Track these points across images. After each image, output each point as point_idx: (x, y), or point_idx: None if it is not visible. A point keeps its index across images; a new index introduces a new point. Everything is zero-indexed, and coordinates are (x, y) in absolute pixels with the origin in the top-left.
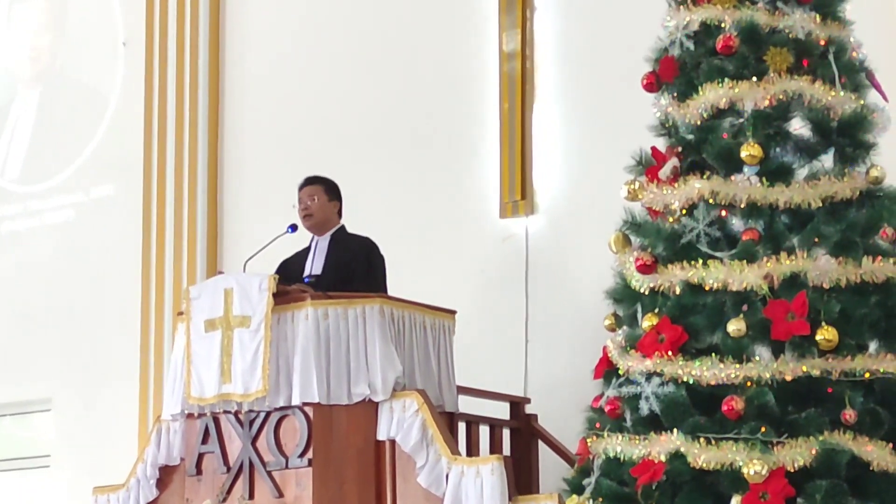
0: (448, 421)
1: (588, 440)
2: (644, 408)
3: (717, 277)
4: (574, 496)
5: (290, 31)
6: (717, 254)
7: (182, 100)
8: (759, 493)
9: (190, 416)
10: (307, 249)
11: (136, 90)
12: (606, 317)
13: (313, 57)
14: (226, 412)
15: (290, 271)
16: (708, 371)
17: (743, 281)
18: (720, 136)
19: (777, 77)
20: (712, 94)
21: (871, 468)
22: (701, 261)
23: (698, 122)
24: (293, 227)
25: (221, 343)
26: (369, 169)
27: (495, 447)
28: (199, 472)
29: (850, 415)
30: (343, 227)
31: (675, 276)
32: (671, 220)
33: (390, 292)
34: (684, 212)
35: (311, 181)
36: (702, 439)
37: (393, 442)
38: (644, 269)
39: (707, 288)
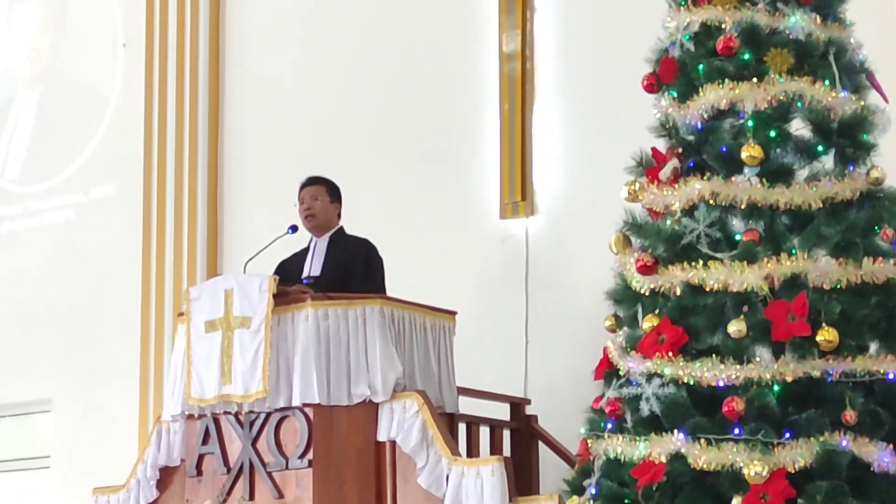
0: (448, 422)
1: (588, 441)
2: (644, 409)
3: (717, 278)
4: (574, 497)
5: (290, 31)
6: (718, 255)
7: (182, 100)
8: (759, 493)
9: (190, 416)
10: (306, 250)
11: (136, 91)
12: (607, 318)
13: (313, 57)
14: (226, 413)
15: (288, 272)
16: (708, 372)
17: (743, 282)
18: (721, 137)
19: (777, 78)
20: (713, 95)
21: (871, 469)
22: (701, 262)
23: (699, 123)
24: (293, 228)
25: (222, 344)
26: (369, 170)
27: (495, 448)
28: (199, 472)
29: (850, 416)
30: (342, 229)
31: (675, 277)
32: (671, 220)
33: (390, 293)
34: (685, 213)
35: (314, 181)
36: (702, 440)
37: (393, 443)
38: (644, 269)
39: (707, 289)
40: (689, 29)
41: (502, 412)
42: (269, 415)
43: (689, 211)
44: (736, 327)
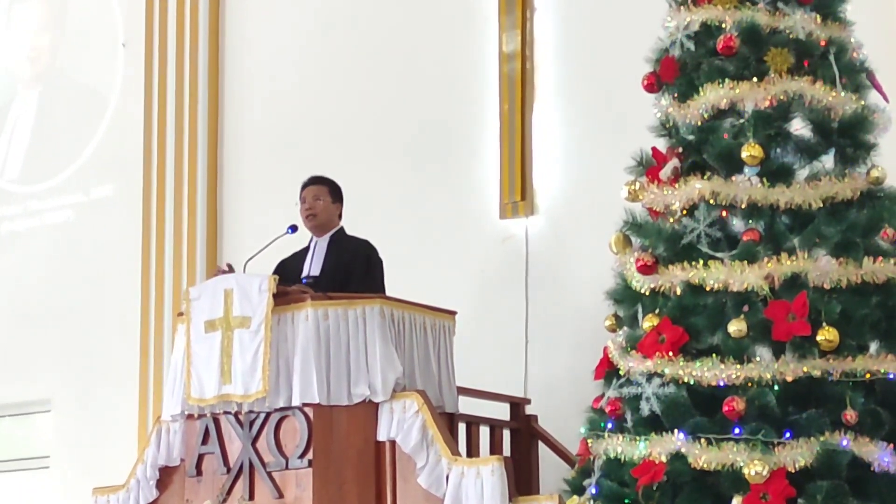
0: (448, 422)
1: (589, 441)
2: (645, 408)
3: (717, 278)
4: (574, 497)
5: (289, 32)
6: (718, 254)
7: (182, 100)
8: (759, 493)
9: (190, 416)
10: (305, 250)
11: (136, 91)
12: (607, 317)
13: (313, 58)
14: (226, 413)
15: (288, 272)
16: (709, 372)
17: (744, 281)
18: (721, 137)
19: (778, 78)
20: (713, 95)
21: (871, 469)
22: (702, 261)
23: (699, 123)
24: (293, 228)
25: (221, 344)
26: (369, 169)
27: (495, 448)
28: (199, 472)
29: (850, 415)
30: (342, 230)
31: (675, 277)
32: (672, 220)
33: (390, 293)
34: (685, 212)
35: (316, 181)
36: (703, 440)
37: (393, 443)
38: (645, 269)
39: (708, 288)
40: (689, 28)
41: (502, 412)
42: (268, 415)
43: (690, 210)
44: (736, 327)
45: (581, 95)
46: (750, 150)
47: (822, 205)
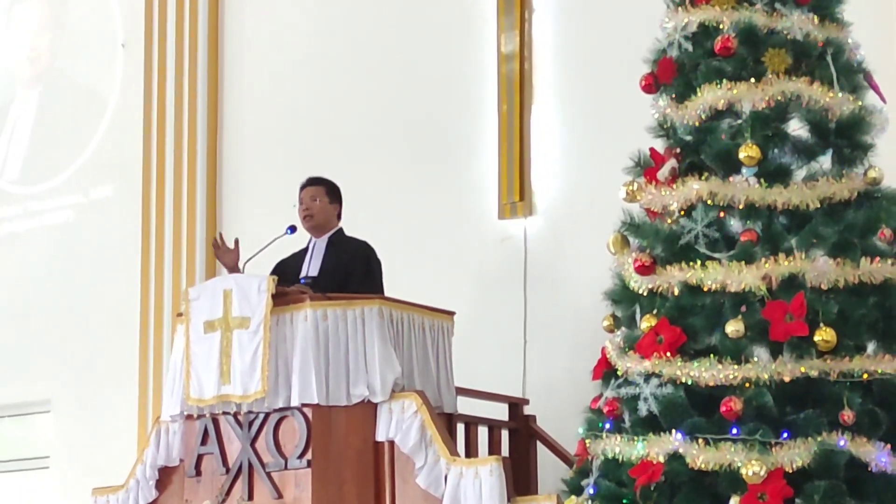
0: (447, 422)
1: (587, 441)
2: (643, 409)
3: (715, 278)
4: (572, 497)
5: (289, 32)
6: (716, 255)
7: (181, 101)
8: (757, 493)
9: (189, 417)
10: (304, 251)
11: (136, 91)
12: (605, 318)
13: (312, 58)
14: (225, 413)
15: (287, 272)
16: (706, 372)
17: (741, 282)
18: (718, 138)
19: (775, 78)
20: (710, 96)
21: (869, 469)
22: (699, 262)
23: (696, 124)
24: (292, 229)
25: (221, 344)
26: (368, 170)
27: (494, 448)
28: (198, 473)
29: (848, 416)
30: (341, 230)
31: (673, 277)
32: (669, 221)
33: (388, 294)
34: (683, 213)
35: (314, 182)
36: (700, 440)
37: (392, 443)
38: (642, 270)
39: (705, 289)
40: (686, 29)
41: (501, 412)
42: (267, 415)
43: (687, 211)
44: (734, 327)
45: (579, 96)
46: (747, 151)
47: (819, 205)
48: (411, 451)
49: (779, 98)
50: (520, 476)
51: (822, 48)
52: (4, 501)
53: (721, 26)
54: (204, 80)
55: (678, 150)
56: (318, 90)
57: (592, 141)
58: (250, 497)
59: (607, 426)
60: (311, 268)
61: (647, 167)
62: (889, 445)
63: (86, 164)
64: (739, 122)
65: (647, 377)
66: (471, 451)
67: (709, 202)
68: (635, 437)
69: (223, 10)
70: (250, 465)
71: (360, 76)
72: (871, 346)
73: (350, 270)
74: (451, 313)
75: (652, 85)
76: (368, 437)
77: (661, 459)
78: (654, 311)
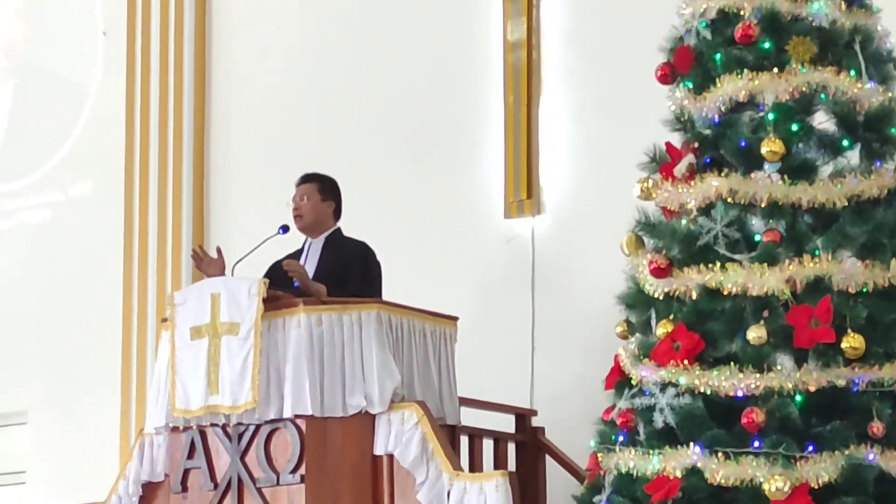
0: (449, 434)
1: (599, 455)
2: (658, 420)
3: (735, 281)
4: None
5: (280, 18)
6: (736, 256)
7: (166, 92)
8: None
9: (174, 429)
10: (299, 252)
11: (117, 82)
12: (618, 323)
13: (306, 47)
14: (213, 425)
15: (280, 275)
16: (726, 381)
17: (763, 285)
18: (739, 131)
19: (800, 68)
20: (731, 87)
21: None
22: (719, 264)
23: (716, 116)
24: (285, 228)
25: (208, 352)
26: (365, 166)
27: (500, 462)
28: (184, 488)
29: (877, 427)
30: (339, 230)
31: (691, 280)
32: (687, 220)
33: (387, 297)
34: (701, 211)
35: (305, 179)
36: (720, 454)
37: (391, 457)
38: (658, 272)
39: (725, 293)
40: (705, 16)
41: (507, 424)
42: (258, 427)
43: (706, 210)
44: (755, 333)
45: (591, 87)
46: (770, 146)
47: (846, 203)
48: (411, 466)
49: (803, 89)
50: (527, 492)
51: (849, 36)
52: None
53: (742, 12)
54: (190, 69)
55: (696, 145)
56: (312, 80)
57: (605, 134)
58: None
59: (620, 439)
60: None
61: (662, 163)
62: None
63: (64, 159)
64: (761, 114)
65: (663, 387)
66: (475, 466)
67: (729, 200)
68: (650, 451)
69: None
70: (240, 481)
71: (357, 66)
72: None
73: (346, 273)
74: (454, 318)
75: (668, 75)
76: (366, 451)
77: (679, 474)
78: (671, 317)
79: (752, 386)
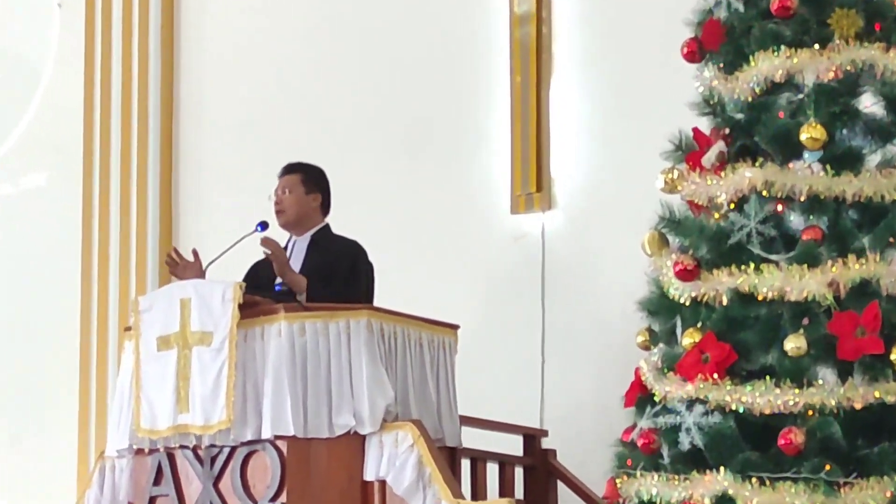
0: (449, 457)
1: (617, 480)
2: (684, 441)
3: (771, 285)
4: None
5: None
6: (772, 256)
7: (129, 73)
8: None
9: (139, 451)
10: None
11: (75, 61)
12: (639, 332)
13: (288, 22)
14: (182, 447)
15: (260, 278)
16: (761, 397)
17: (803, 289)
18: (776, 116)
19: (844, 44)
20: (766, 65)
21: None
22: (752, 265)
23: (749, 99)
24: (263, 225)
25: (177, 364)
26: (355, 157)
27: (506, 489)
28: None
29: None
30: (327, 227)
31: (721, 284)
32: (717, 216)
33: (380, 303)
34: (733, 206)
35: (288, 170)
36: (754, 479)
37: (383, 483)
38: (684, 274)
39: (760, 298)
40: None
41: (514, 446)
42: (233, 449)
43: (738, 204)
44: (794, 344)
45: (608, 66)
46: (810, 132)
47: None
48: (406, 493)
49: (848, 68)
50: None
51: None
52: None
53: None
54: (157, 47)
55: (727, 131)
56: (295, 61)
57: (623, 120)
58: None
59: (642, 463)
60: None
61: (689, 151)
62: None
63: (15, 148)
64: (800, 96)
65: (690, 403)
66: (478, 493)
67: (764, 193)
68: (676, 476)
69: None
70: None
71: (346, 43)
72: None
73: (332, 274)
74: (455, 327)
75: (696, 52)
76: (355, 476)
77: (707, 502)
78: (699, 325)
79: (791, 403)
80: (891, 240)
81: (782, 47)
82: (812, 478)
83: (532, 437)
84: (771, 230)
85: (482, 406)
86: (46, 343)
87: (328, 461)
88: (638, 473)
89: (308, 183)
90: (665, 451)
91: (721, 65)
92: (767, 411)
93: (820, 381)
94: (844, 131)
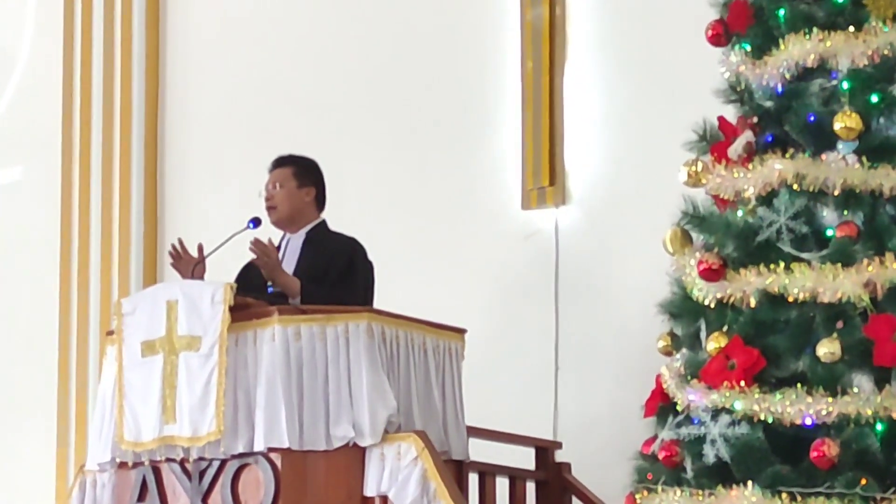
0: (456, 471)
1: (637, 496)
2: (709, 454)
3: (803, 285)
4: None
5: None
6: (804, 255)
7: (111, 60)
8: None
9: (122, 465)
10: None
11: (53, 47)
12: (660, 337)
13: (283, 6)
14: (169, 460)
15: (252, 278)
16: (792, 406)
17: (837, 290)
18: (808, 104)
19: (880, 27)
20: (797, 49)
21: None
22: (783, 264)
23: (779, 85)
24: (255, 222)
25: (163, 371)
26: (355, 148)
27: None
28: None
29: None
30: (323, 224)
31: (749, 284)
32: (744, 211)
33: (381, 305)
34: (761, 201)
35: (278, 163)
36: (784, 495)
37: (384, 498)
38: (709, 274)
39: (791, 299)
40: None
41: (525, 459)
42: (224, 462)
43: (767, 199)
44: (827, 349)
45: (626, 50)
46: (845, 121)
47: None
48: None
49: (885, 52)
50: None
51: None
52: None
53: None
54: (141, 31)
55: (755, 120)
56: (288, 43)
57: (643, 108)
58: None
59: (663, 477)
60: None
61: (714, 142)
62: None
63: None
64: (834, 83)
65: (716, 413)
66: None
67: (795, 187)
68: (700, 491)
69: None
70: None
71: (343, 27)
72: None
73: (327, 272)
74: (462, 331)
75: (721, 35)
76: (354, 491)
77: None
78: (725, 328)
79: (824, 412)
80: None
81: (814, 30)
82: (847, 493)
83: (545, 450)
84: (802, 227)
85: (491, 416)
86: (22, 349)
87: (325, 475)
88: (659, 488)
89: (300, 176)
90: (688, 465)
91: (749, 48)
92: (798, 421)
93: (855, 389)
94: (881, 120)
